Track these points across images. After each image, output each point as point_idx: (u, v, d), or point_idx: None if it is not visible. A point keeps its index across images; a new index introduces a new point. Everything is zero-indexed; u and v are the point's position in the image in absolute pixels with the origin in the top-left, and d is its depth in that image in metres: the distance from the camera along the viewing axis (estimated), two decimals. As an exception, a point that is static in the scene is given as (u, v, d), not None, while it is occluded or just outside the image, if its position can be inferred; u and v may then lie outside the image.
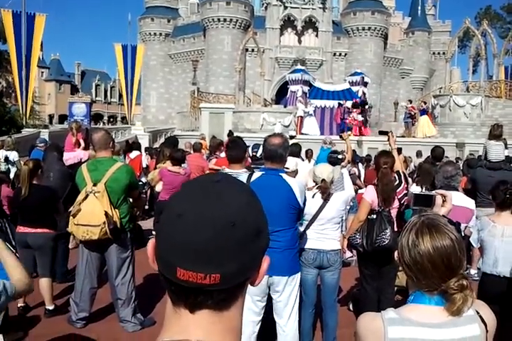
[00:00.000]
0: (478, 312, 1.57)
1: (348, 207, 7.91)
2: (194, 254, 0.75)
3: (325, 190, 4.02)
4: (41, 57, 53.90)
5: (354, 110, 23.31)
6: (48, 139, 12.79)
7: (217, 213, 0.76)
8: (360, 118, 23.25)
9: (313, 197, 3.98)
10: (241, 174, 3.85)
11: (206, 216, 0.76)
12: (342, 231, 7.18)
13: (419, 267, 1.54)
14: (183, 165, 7.31)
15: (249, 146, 5.46)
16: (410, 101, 25.68)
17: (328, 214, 4.06)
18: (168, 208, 0.80)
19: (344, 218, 7.39)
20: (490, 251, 3.90)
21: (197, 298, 0.78)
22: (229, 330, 0.82)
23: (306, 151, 10.84)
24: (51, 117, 69.43)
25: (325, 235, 4.08)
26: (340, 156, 6.79)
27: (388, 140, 5.31)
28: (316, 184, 4.10)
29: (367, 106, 24.34)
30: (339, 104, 24.35)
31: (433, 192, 2.32)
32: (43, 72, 71.38)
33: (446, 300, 1.52)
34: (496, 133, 7.05)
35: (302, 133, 21.73)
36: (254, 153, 5.11)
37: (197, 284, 0.76)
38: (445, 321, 1.52)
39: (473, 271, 6.60)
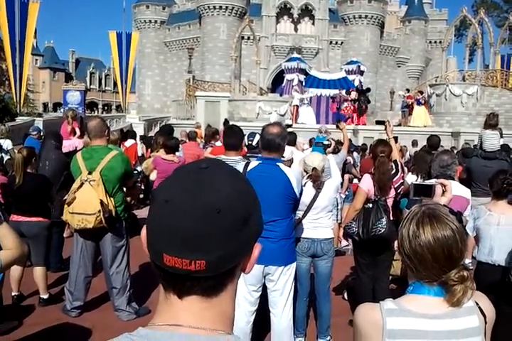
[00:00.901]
0: (477, 304, 1.56)
1: (344, 196, 7.94)
2: (179, 240, 0.75)
3: (316, 178, 4.00)
4: (35, 45, 53.47)
5: (349, 97, 23.02)
6: (42, 127, 12.70)
7: (203, 199, 0.76)
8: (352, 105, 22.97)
9: (304, 185, 3.95)
10: (238, 162, 3.82)
11: (192, 202, 0.75)
12: (338, 220, 7.23)
13: (420, 258, 1.52)
14: (177, 153, 7.28)
15: (245, 135, 5.42)
16: (408, 90, 25.55)
17: (322, 202, 4.06)
18: (157, 194, 0.80)
19: (340, 207, 7.44)
20: (485, 239, 3.91)
21: (184, 284, 0.79)
22: (219, 317, 0.82)
23: (310, 140, 10.92)
24: (45, 105, 69.07)
25: (319, 224, 4.09)
26: (325, 142, 6.83)
27: (385, 129, 5.29)
28: (307, 173, 4.08)
29: (368, 94, 23.91)
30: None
31: (433, 181, 2.30)
32: (37, 60, 70.90)
33: (446, 292, 1.51)
34: (491, 122, 7.03)
35: (298, 123, 21.63)
36: (250, 142, 5.07)
37: (183, 270, 0.76)
38: (444, 312, 1.50)
39: (467, 261, 6.61)
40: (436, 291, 1.52)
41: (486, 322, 1.56)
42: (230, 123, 12.83)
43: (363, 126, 21.20)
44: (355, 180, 8.62)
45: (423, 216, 1.55)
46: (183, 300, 0.80)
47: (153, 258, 0.79)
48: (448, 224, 1.52)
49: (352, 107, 22.61)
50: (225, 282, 0.81)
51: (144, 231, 0.82)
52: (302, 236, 4.04)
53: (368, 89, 23.92)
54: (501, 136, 9.30)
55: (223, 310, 0.82)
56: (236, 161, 4.04)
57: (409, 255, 1.54)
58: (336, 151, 7.45)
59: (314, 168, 3.98)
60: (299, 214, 4.03)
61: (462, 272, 1.49)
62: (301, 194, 3.58)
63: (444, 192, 2.18)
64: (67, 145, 8.50)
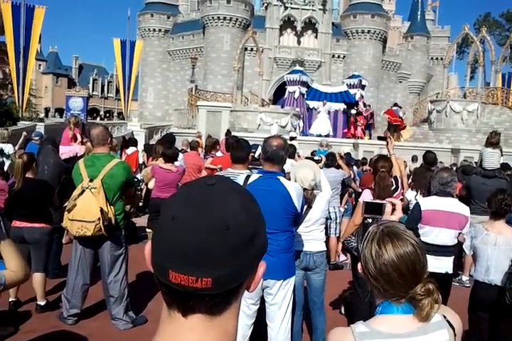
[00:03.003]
0: (445, 317, 1.58)
1: (343, 210, 7.97)
2: (186, 257, 0.74)
3: (307, 200, 3.86)
4: (39, 50, 53.66)
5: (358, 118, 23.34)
6: (43, 133, 12.72)
7: (211, 216, 0.75)
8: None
9: None
10: (238, 176, 3.84)
11: (199, 219, 0.75)
12: (336, 234, 7.25)
13: (386, 277, 1.53)
14: (177, 162, 7.30)
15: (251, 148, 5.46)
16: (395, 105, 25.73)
17: (314, 215, 4.05)
18: (164, 210, 0.80)
19: (338, 221, 7.48)
20: (482, 258, 3.92)
21: (189, 301, 0.78)
22: (223, 336, 0.81)
23: (312, 153, 11.03)
24: (47, 110, 69.16)
25: (311, 237, 4.08)
26: (316, 158, 6.95)
27: (387, 145, 5.33)
28: None
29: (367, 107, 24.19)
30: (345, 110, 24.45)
31: (384, 200, 2.36)
32: (40, 65, 71.09)
33: (414, 307, 1.52)
34: (492, 140, 7.05)
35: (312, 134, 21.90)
36: (252, 154, 5.10)
37: (189, 288, 0.75)
38: (415, 329, 1.52)
39: (465, 278, 6.63)
40: (404, 309, 1.53)
41: (455, 335, 1.57)
42: (232, 133, 12.89)
43: (364, 140, 21.29)
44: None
45: (383, 235, 1.56)
46: (187, 318, 0.79)
47: (158, 275, 0.78)
48: (408, 240, 1.54)
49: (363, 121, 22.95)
50: (229, 300, 0.80)
51: (148, 247, 0.81)
52: (295, 248, 4.03)
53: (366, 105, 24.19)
54: (501, 154, 9.32)
55: (227, 329, 0.81)
56: (237, 174, 4.05)
57: (375, 275, 1.55)
58: (334, 165, 7.53)
59: (305, 189, 3.83)
60: None
61: (428, 285, 1.51)
62: (302, 208, 3.59)
63: (393, 210, 2.21)
64: (68, 151, 8.54)
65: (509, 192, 4.16)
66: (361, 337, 1.52)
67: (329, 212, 6.83)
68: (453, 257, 4.36)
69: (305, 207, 3.96)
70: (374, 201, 2.38)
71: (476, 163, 10.68)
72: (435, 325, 1.54)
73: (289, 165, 6.72)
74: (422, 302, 1.49)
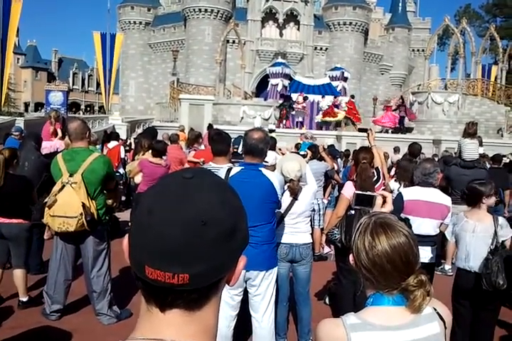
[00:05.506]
0: (435, 309, 1.57)
1: (326, 202, 8.01)
2: (162, 252, 0.72)
3: (293, 191, 3.96)
4: (17, 44, 52.85)
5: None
6: (23, 127, 12.52)
7: (188, 211, 0.73)
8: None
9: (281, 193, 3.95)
10: (219, 169, 3.82)
11: (176, 213, 0.73)
12: (320, 225, 7.29)
13: (379, 268, 1.51)
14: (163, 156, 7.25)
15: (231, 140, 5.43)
16: (352, 97, 26.02)
17: (299, 208, 4.07)
18: (141, 204, 0.77)
19: (322, 212, 7.51)
20: (462, 246, 4.00)
21: (167, 297, 0.76)
22: (202, 331, 0.79)
23: (296, 145, 11.04)
24: (27, 105, 68.23)
25: (297, 229, 4.10)
26: (302, 153, 6.98)
27: (368, 137, 5.35)
28: (285, 182, 4.07)
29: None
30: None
31: (374, 192, 2.37)
32: (18, 59, 70.03)
33: (406, 299, 1.51)
34: (470, 131, 7.06)
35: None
36: (235, 149, 5.06)
37: (165, 284, 0.73)
38: (407, 322, 1.50)
39: (447, 267, 6.70)
40: (396, 300, 1.52)
41: (445, 328, 1.57)
42: (214, 127, 12.84)
43: (346, 132, 21.35)
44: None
45: (376, 226, 1.55)
46: (165, 313, 0.77)
47: (135, 270, 0.76)
48: (401, 231, 1.53)
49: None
50: (208, 295, 0.78)
51: (125, 241, 0.79)
52: (281, 241, 4.04)
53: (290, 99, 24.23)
54: (481, 145, 9.40)
55: (206, 324, 0.80)
56: (218, 168, 4.03)
57: (368, 267, 1.53)
58: (316, 157, 7.55)
59: (291, 180, 3.93)
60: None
61: (420, 276, 1.50)
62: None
63: (384, 203, 2.22)
64: (48, 146, 8.41)
65: (480, 181, 4.22)
66: (352, 329, 1.49)
67: (312, 204, 6.87)
68: (435, 246, 4.41)
69: (289, 200, 3.98)
70: (365, 193, 2.38)
71: (455, 153, 10.79)
72: (426, 318, 1.53)
73: (273, 157, 6.73)
74: (415, 293, 1.48)
